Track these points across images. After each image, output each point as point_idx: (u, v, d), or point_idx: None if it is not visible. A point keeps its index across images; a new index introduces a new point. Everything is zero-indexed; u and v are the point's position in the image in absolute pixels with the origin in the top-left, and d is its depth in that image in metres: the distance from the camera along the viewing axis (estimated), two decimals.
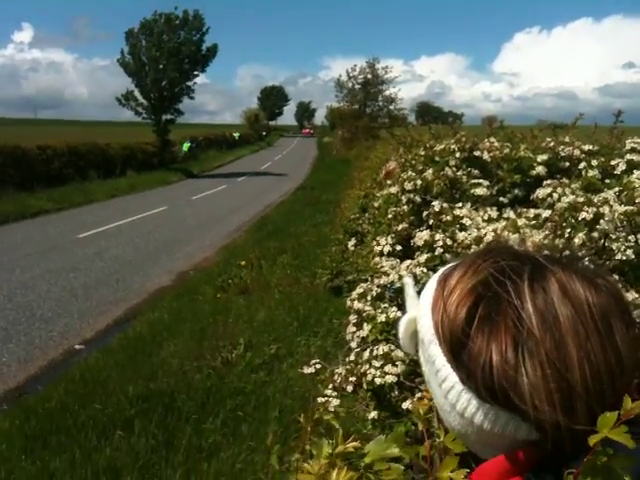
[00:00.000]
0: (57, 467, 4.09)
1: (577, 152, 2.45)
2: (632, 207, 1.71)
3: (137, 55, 31.62)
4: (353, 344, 2.42)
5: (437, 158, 2.58)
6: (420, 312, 0.77)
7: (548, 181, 2.10)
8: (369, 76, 36.90)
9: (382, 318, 2.27)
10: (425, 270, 2.01)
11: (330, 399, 2.10)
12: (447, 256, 1.89)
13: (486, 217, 2.03)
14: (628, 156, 2.24)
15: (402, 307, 1.02)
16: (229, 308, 7.80)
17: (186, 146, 36.81)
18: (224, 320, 7.25)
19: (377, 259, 2.28)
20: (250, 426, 4.61)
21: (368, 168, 11.64)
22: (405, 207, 2.48)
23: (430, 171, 2.43)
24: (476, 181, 2.35)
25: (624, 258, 1.71)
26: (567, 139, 2.61)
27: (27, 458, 4.22)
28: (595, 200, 1.68)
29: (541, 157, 2.52)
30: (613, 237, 1.77)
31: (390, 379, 2.05)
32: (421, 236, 1.99)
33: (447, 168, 2.40)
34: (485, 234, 1.81)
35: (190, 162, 34.87)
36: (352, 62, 37.10)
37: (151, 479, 3.97)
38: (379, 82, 36.95)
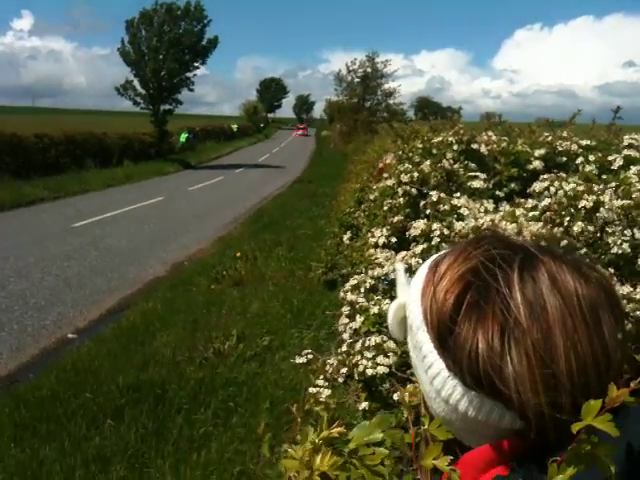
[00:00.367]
0: (47, 455, 4.08)
1: (574, 147, 2.44)
2: (629, 201, 1.70)
3: (137, 45, 31.47)
4: (345, 335, 2.41)
5: (434, 150, 2.56)
6: (410, 298, 0.77)
7: (545, 175, 2.09)
8: (368, 70, 36.78)
9: (375, 310, 2.26)
10: (420, 261, 2.00)
11: (321, 389, 2.09)
12: (444, 246, 1.87)
13: (482, 209, 2.02)
14: (625, 152, 2.23)
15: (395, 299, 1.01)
16: (223, 299, 7.79)
17: (184, 137, 36.74)
18: (217, 311, 7.24)
19: (372, 251, 2.26)
20: (241, 417, 4.60)
21: (365, 162, 11.63)
22: (401, 199, 2.46)
23: (427, 163, 2.41)
24: (473, 174, 2.33)
25: (620, 252, 1.70)
26: (565, 134, 2.59)
27: (17, 446, 4.20)
28: (595, 189, 1.67)
29: (538, 151, 2.50)
30: (610, 230, 1.76)
31: (382, 370, 2.04)
32: (418, 226, 1.98)
33: (444, 160, 2.38)
34: (483, 224, 1.79)
35: (187, 153, 34.81)
36: (352, 56, 36.96)
37: (140, 468, 3.96)
38: (378, 76, 36.82)
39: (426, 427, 0.66)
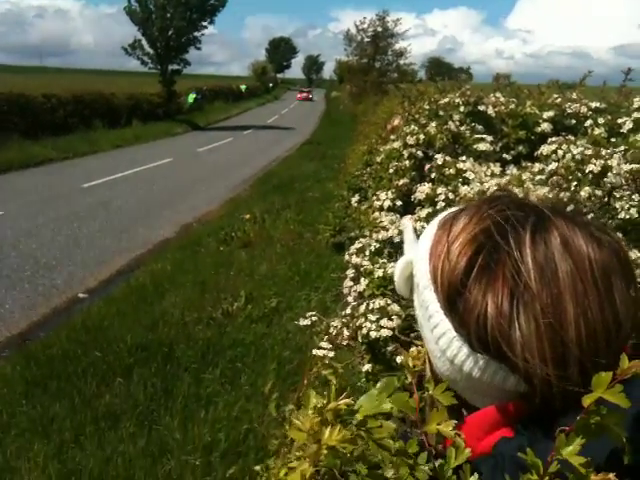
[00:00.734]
0: (57, 412, 4.18)
1: (584, 109, 2.40)
2: (638, 165, 1.68)
3: (144, 3, 30.99)
4: (350, 298, 2.42)
5: (441, 112, 2.53)
6: (417, 256, 0.76)
7: (553, 138, 2.05)
8: (379, 29, 36.06)
9: (379, 273, 2.25)
10: (425, 225, 1.99)
11: (325, 352, 2.11)
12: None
13: (489, 173, 2.00)
14: (635, 114, 2.19)
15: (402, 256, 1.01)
16: (231, 261, 7.83)
17: (191, 97, 36.44)
18: (226, 272, 7.29)
19: (376, 214, 2.25)
20: (249, 377, 4.67)
21: (374, 123, 11.51)
22: (407, 162, 2.44)
23: (433, 124, 2.38)
24: (479, 136, 2.31)
25: (627, 217, 1.68)
26: (574, 96, 2.54)
27: (28, 403, 4.30)
28: (603, 153, 1.64)
29: (547, 114, 2.46)
30: (617, 195, 1.74)
31: (385, 333, 2.05)
32: (422, 189, 1.96)
33: (450, 122, 2.35)
34: (488, 188, 1.78)
35: (196, 114, 34.57)
36: (363, 14, 36.13)
37: (149, 425, 4.04)
38: (389, 35, 36.11)
39: (430, 392, 0.66)
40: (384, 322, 2.10)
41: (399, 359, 2.11)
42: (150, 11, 30.95)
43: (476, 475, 0.57)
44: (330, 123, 33.58)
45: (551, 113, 2.48)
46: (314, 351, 2.09)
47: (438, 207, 1.90)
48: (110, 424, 4.05)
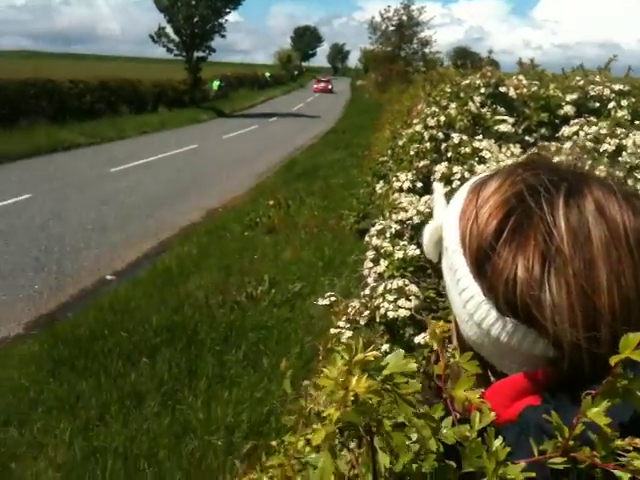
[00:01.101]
0: (83, 390, 4.27)
1: (607, 92, 2.37)
2: None
3: None
4: (370, 279, 2.45)
5: (462, 94, 2.52)
6: (447, 220, 0.75)
7: (575, 120, 2.05)
8: (404, 18, 35.68)
9: (399, 255, 2.27)
10: None
11: (343, 331, 2.14)
12: None
13: (509, 154, 1.99)
14: None
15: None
16: (256, 246, 7.89)
17: (215, 84, 36.50)
18: (250, 257, 7.35)
19: (396, 195, 2.26)
20: (270, 360, 4.72)
21: (399, 111, 11.44)
22: (428, 144, 2.45)
23: (453, 106, 2.38)
24: (500, 117, 2.30)
25: None
26: (597, 78, 2.52)
27: (55, 381, 4.40)
28: (618, 132, 1.63)
29: (570, 96, 2.44)
30: (638, 176, 1.73)
31: (403, 313, 2.07)
32: (439, 168, 1.97)
33: (470, 103, 2.34)
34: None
35: (221, 101, 34.66)
36: (387, 3, 35.63)
37: (173, 405, 4.12)
38: (414, 24, 35.70)
39: (456, 360, 0.66)
40: (402, 302, 2.12)
41: (417, 339, 2.14)
42: None
43: (500, 438, 0.57)
44: (355, 112, 33.38)
45: (574, 96, 2.46)
46: (331, 330, 2.12)
47: (454, 186, 1.91)
48: (135, 403, 4.14)
